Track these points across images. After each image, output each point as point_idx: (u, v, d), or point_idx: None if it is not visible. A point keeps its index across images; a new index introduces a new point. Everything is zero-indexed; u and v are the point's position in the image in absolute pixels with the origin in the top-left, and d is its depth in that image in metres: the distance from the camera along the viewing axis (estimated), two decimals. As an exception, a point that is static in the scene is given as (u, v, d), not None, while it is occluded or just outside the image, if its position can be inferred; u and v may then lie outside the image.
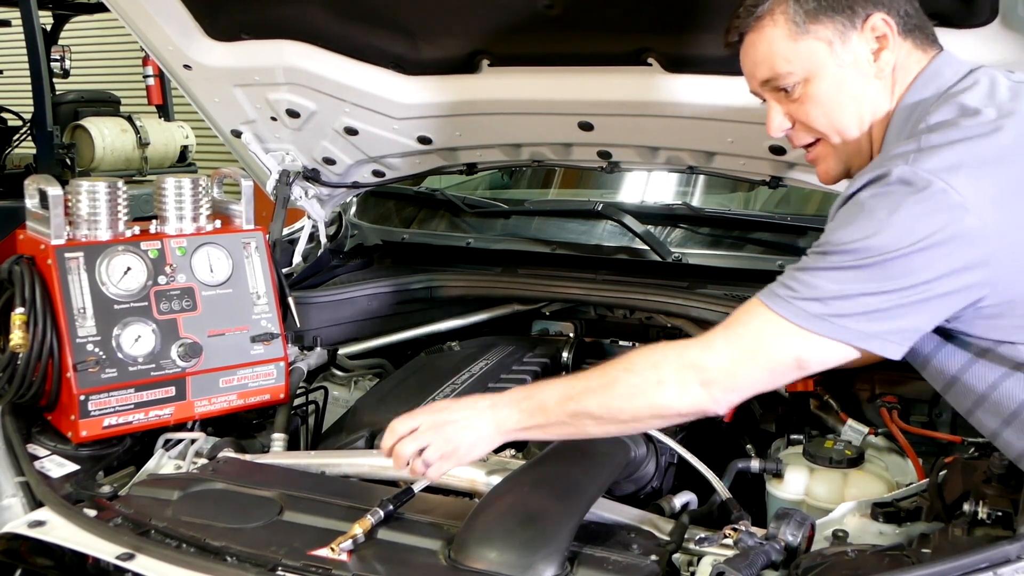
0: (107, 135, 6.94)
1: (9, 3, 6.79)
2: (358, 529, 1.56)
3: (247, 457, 1.99)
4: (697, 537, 1.57)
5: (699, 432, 2.07)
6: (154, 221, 2.16)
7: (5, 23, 7.14)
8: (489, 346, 2.68)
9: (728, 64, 2.06)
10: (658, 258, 2.71)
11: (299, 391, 2.36)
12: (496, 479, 1.71)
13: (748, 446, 2.15)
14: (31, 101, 6.68)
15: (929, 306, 1.39)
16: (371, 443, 2.10)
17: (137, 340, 2.00)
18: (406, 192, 3.23)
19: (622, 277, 2.74)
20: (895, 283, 1.36)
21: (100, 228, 2.04)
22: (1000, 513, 1.52)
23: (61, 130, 6.72)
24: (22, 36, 6.58)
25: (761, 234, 2.71)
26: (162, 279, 2.07)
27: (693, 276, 2.68)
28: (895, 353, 1.42)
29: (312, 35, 2.39)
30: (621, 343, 2.76)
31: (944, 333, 1.48)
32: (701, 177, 2.99)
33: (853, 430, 1.99)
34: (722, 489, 1.79)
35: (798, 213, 2.76)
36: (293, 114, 2.62)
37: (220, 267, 2.15)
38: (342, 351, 2.61)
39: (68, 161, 6.60)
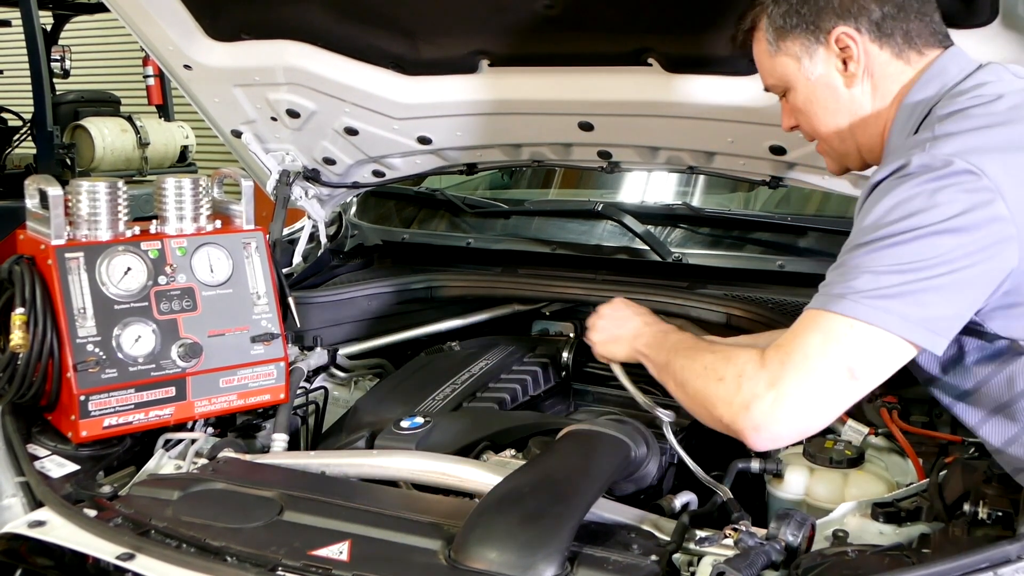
0: (107, 135, 6.95)
1: (9, 3, 6.79)
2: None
3: (247, 457, 1.99)
4: (697, 537, 1.57)
5: (700, 432, 2.07)
6: (154, 221, 2.16)
7: (5, 23, 7.15)
8: (489, 346, 2.68)
9: (728, 64, 2.08)
10: (658, 258, 2.71)
11: (299, 391, 2.36)
12: (496, 479, 1.70)
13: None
14: (31, 101, 6.69)
15: (963, 288, 1.37)
16: (371, 443, 2.10)
17: (137, 340, 2.00)
18: (406, 192, 3.23)
19: (622, 277, 2.74)
20: (925, 261, 1.35)
21: (100, 228, 2.04)
22: (1000, 513, 1.52)
23: (61, 130, 6.73)
24: (22, 36, 6.58)
25: (761, 234, 2.71)
26: (162, 279, 2.07)
27: (693, 276, 2.68)
28: (939, 344, 1.38)
29: (312, 35, 2.39)
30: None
31: (958, 344, 1.47)
32: (701, 177, 2.99)
33: (853, 430, 1.99)
34: (722, 490, 1.78)
35: (798, 213, 2.76)
36: (293, 114, 2.62)
37: (220, 267, 2.15)
38: (342, 351, 2.61)
39: (68, 161, 6.61)
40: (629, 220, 2.74)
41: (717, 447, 1.97)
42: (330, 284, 2.87)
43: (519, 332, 2.86)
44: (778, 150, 2.27)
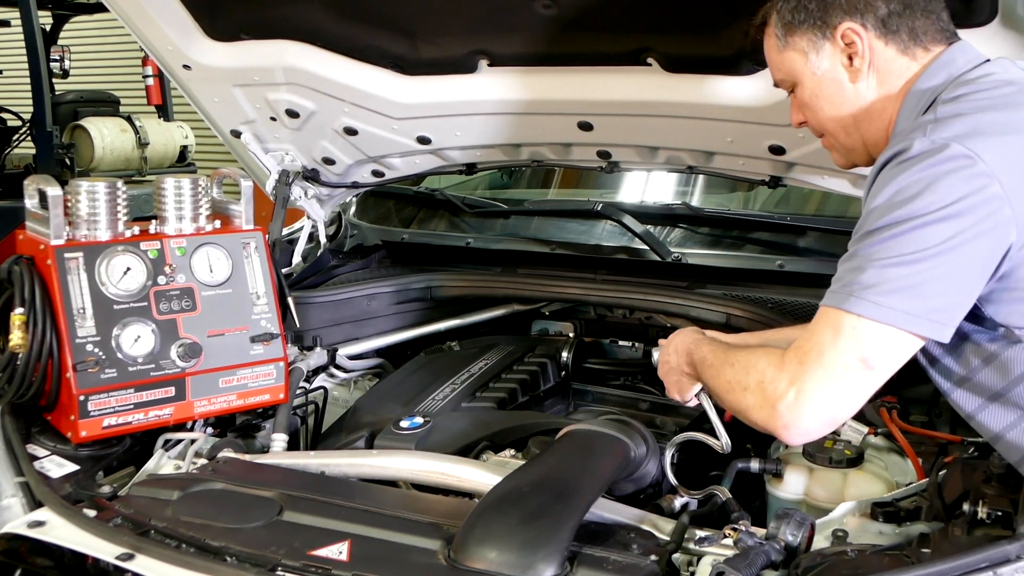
0: (106, 135, 6.94)
1: (9, 3, 6.78)
2: None
3: (247, 457, 1.99)
4: (697, 537, 1.57)
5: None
6: (154, 221, 2.16)
7: (5, 23, 7.14)
8: (489, 346, 2.68)
9: (728, 64, 2.08)
10: (658, 258, 2.71)
11: (299, 391, 2.36)
12: (495, 479, 1.70)
13: (748, 446, 2.15)
14: (31, 101, 6.68)
15: (965, 275, 1.40)
16: (371, 443, 2.10)
17: (137, 340, 2.00)
18: (406, 192, 3.23)
19: (622, 277, 2.74)
20: (926, 251, 1.38)
21: (100, 228, 2.04)
22: (1000, 513, 1.52)
23: (61, 130, 6.72)
24: (22, 36, 6.58)
25: (760, 234, 2.71)
26: (162, 279, 2.07)
27: (692, 276, 2.68)
28: (945, 334, 1.43)
29: (312, 35, 2.39)
30: (621, 343, 2.76)
31: (958, 332, 1.49)
32: (700, 177, 2.99)
33: (853, 430, 1.99)
34: (721, 491, 1.79)
35: (797, 213, 2.76)
36: (292, 114, 2.62)
37: (220, 267, 2.15)
38: (342, 351, 2.61)
39: (67, 161, 6.60)
40: (628, 220, 2.74)
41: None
42: (329, 284, 2.87)
43: (519, 332, 2.86)
44: (777, 150, 2.27)
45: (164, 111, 7.43)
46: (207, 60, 2.52)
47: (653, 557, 1.52)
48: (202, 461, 1.98)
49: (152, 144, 7.22)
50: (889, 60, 1.60)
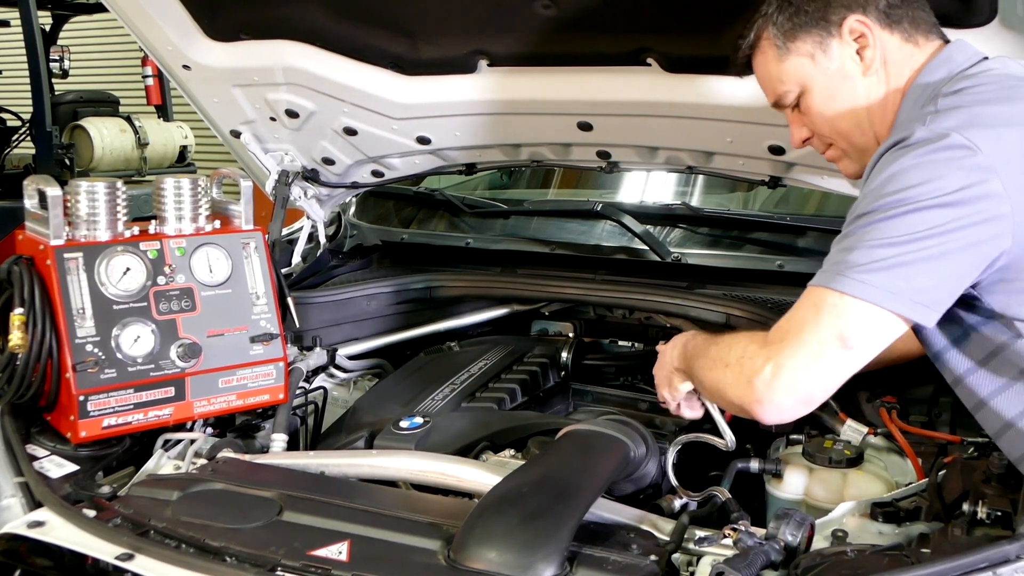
0: (106, 135, 6.94)
1: (8, 3, 6.79)
2: None
3: (246, 457, 1.99)
4: (697, 537, 1.57)
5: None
6: (153, 221, 2.16)
7: (4, 23, 7.14)
8: (488, 346, 2.68)
9: (727, 64, 2.08)
10: (657, 258, 2.71)
11: (298, 391, 2.36)
12: (495, 479, 1.70)
13: (748, 446, 2.15)
14: (30, 101, 6.68)
15: (953, 261, 1.40)
16: (371, 443, 2.10)
17: (136, 340, 2.00)
18: (405, 192, 3.23)
19: (621, 277, 2.74)
20: (916, 234, 1.39)
21: (99, 228, 2.04)
22: (1000, 513, 1.52)
23: (60, 130, 6.72)
24: (21, 36, 6.58)
25: (760, 234, 2.71)
26: (161, 279, 2.07)
27: (692, 276, 2.68)
28: (928, 318, 1.43)
29: (311, 35, 2.39)
30: (620, 343, 2.76)
31: (961, 323, 1.49)
32: (700, 177, 2.99)
33: (852, 430, 1.99)
34: (721, 492, 1.78)
35: (797, 213, 2.76)
36: (292, 114, 2.62)
37: (219, 267, 2.15)
38: (341, 351, 2.61)
39: (67, 161, 6.60)
40: (628, 220, 2.74)
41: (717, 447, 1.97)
42: (329, 284, 2.87)
43: (518, 332, 2.86)
44: (777, 150, 2.27)
45: (164, 111, 7.43)
46: (207, 60, 2.52)
47: (653, 557, 1.52)
48: (202, 461, 1.97)
49: (152, 144, 7.23)
50: (895, 49, 1.61)
